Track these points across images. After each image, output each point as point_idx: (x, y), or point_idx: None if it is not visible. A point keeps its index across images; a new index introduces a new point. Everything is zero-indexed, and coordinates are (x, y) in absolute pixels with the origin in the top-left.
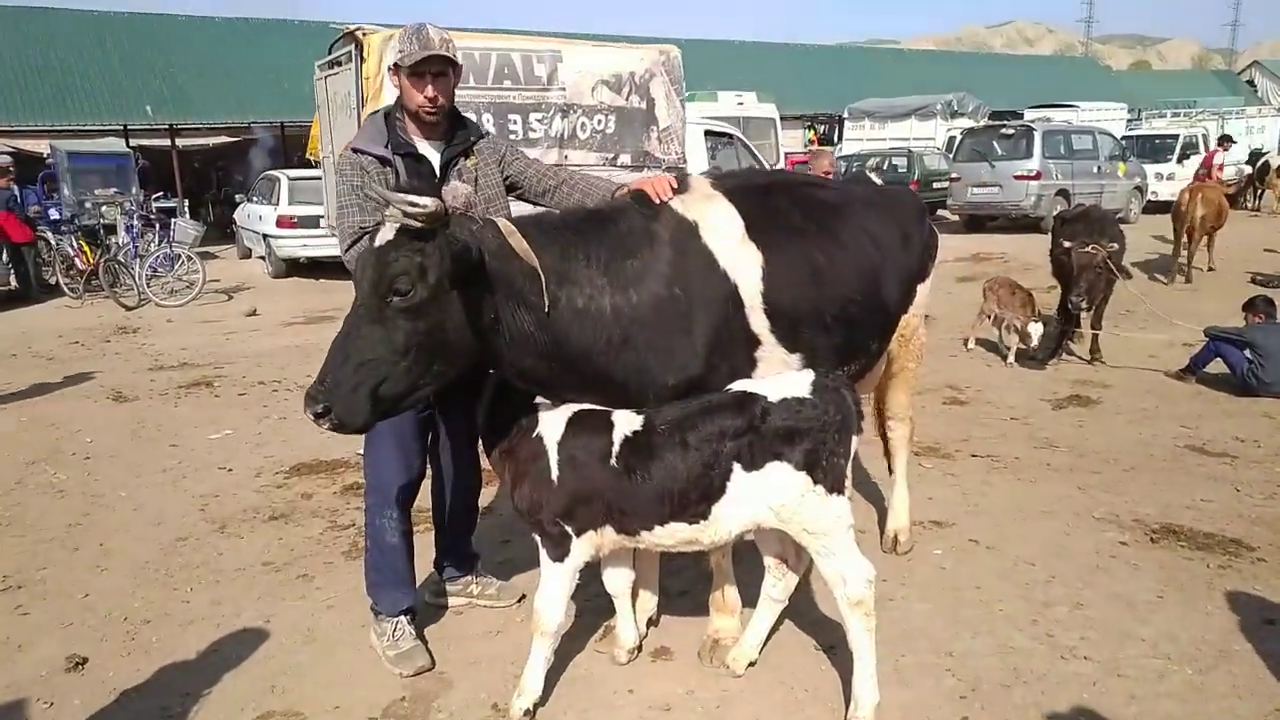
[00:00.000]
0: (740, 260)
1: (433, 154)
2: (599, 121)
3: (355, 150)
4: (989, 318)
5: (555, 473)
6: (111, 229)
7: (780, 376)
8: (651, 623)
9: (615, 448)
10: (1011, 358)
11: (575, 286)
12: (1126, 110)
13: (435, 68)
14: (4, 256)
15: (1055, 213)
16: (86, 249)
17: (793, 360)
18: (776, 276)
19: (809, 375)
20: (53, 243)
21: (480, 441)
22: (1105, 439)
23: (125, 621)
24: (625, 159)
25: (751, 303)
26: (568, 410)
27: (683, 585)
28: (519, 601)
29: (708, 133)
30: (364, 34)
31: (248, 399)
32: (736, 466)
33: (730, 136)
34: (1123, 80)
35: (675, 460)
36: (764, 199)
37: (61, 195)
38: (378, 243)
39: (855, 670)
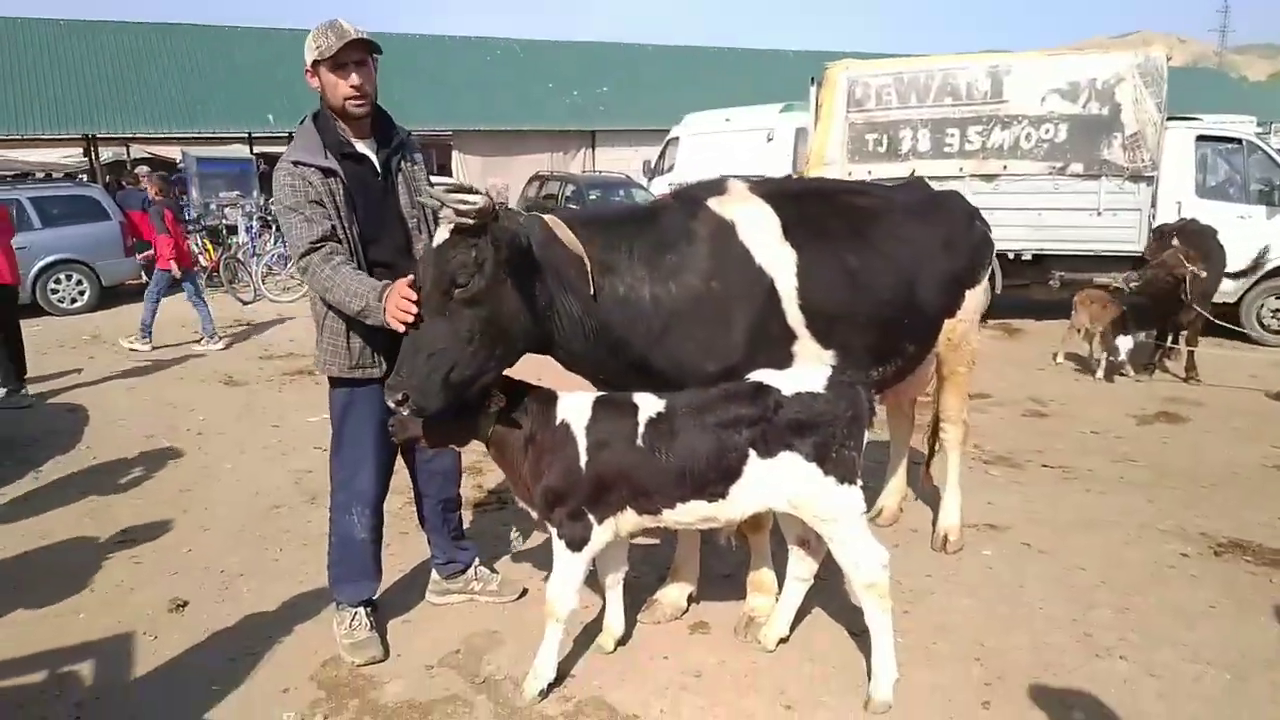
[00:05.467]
0: (777, 258)
1: (369, 154)
2: (1046, 131)
3: (295, 163)
4: (1079, 331)
5: (584, 459)
6: (233, 229)
7: (798, 370)
8: (692, 599)
9: (641, 429)
10: (1101, 372)
11: (617, 276)
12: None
13: (356, 56)
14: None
15: (1155, 225)
16: (210, 247)
17: (826, 357)
18: (811, 275)
19: (825, 371)
20: None
21: (476, 441)
22: (1189, 457)
23: (222, 574)
24: (1076, 167)
25: (788, 298)
26: (589, 396)
27: (727, 569)
28: (520, 596)
29: (1201, 137)
30: (828, 66)
31: None
32: (752, 452)
33: (1238, 142)
34: (1257, 92)
35: (696, 441)
36: (799, 203)
37: (189, 197)
38: (435, 243)
39: (873, 648)
